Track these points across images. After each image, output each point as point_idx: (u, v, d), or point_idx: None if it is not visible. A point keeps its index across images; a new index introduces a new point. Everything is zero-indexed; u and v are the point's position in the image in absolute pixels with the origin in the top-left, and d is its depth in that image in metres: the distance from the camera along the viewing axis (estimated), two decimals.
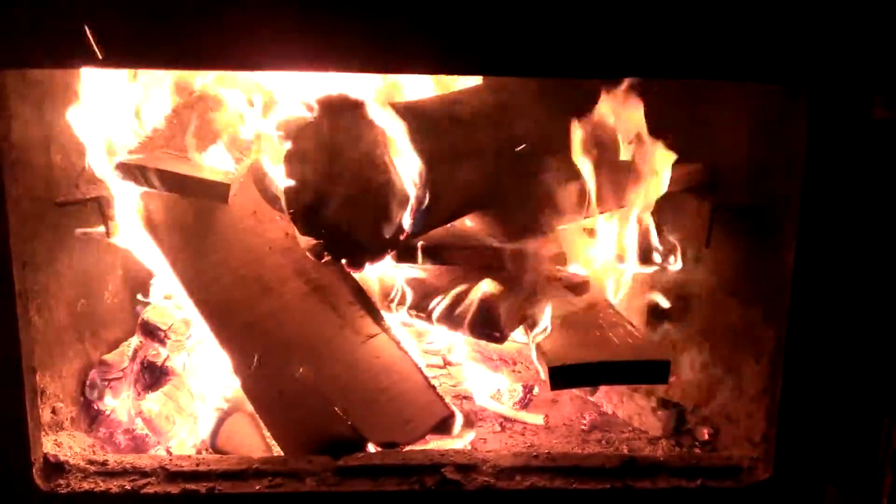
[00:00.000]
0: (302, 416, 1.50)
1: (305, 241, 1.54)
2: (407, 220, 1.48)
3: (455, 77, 1.65)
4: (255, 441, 1.59)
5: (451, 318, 1.63)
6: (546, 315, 1.61)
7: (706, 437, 1.64)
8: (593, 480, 1.41)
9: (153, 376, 1.68)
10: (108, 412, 1.64)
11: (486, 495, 1.39)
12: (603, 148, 1.71)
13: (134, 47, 1.20)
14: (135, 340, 1.71)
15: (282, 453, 1.52)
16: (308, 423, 1.49)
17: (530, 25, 1.21)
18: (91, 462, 1.41)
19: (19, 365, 1.32)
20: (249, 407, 1.59)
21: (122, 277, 1.81)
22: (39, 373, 1.43)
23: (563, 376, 1.51)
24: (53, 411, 1.51)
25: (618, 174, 1.64)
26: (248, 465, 1.41)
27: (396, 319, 1.69)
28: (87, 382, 1.62)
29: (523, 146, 1.61)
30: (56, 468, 1.39)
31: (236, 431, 1.62)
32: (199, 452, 1.61)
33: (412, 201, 1.47)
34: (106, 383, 1.62)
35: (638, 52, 1.24)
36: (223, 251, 1.61)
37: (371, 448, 1.46)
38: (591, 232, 1.71)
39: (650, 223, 1.66)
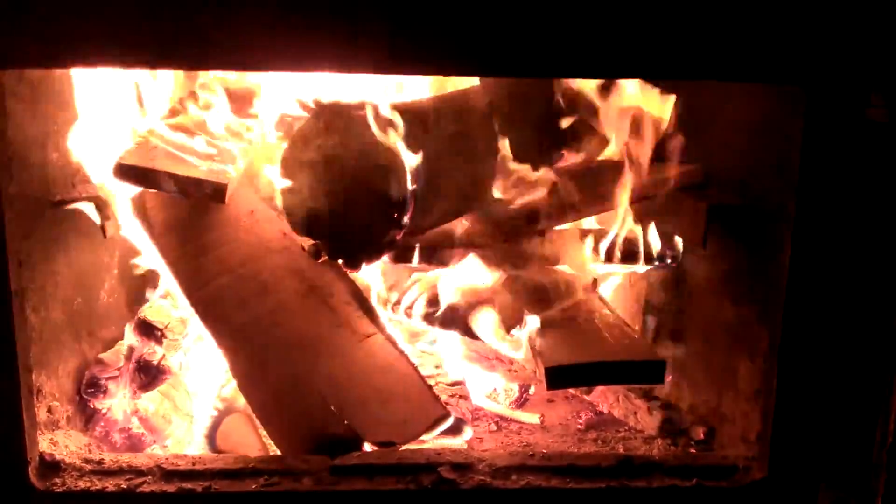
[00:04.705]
0: (298, 416, 1.50)
1: (302, 241, 1.55)
2: (404, 221, 1.48)
3: (451, 78, 1.65)
4: (251, 440, 1.59)
5: (447, 318, 1.63)
6: (542, 315, 1.61)
7: (701, 436, 1.65)
8: (589, 480, 1.41)
9: (149, 375, 1.67)
10: (104, 411, 1.64)
11: (482, 494, 1.39)
12: (598, 147, 1.72)
13: (130, 47, 1.20)
14: (131, 339, 1.71)
15: (278, 452, 1.52)
16: (304, 423, 1.49)
17: (528, 25, 1.21)
18: (87, 461, 1.40)
19: (15, 364, 1.32)
20: (246, 406, 1.60)
21: (119, 276, 1.81)
22: (35, 371, 1.43)
23: (560, 376, 1.51)
24: (49, 410, 1.51)
25: (613, 173, 1.64)
26: (245, 464, 1.41)
27: (393, 319, 1.69)
28: (84, 381, 1.62)
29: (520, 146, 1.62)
30: (52, 467, 1.39)
31: (233, 430, 1.62)
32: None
33: (409, 202, 1.47)
34: (102, 382, 1.62)
35: (633, 53, 1.24)
36: (220, 250, 1.61)
37: (367, 447, 1.46)
38: (587, 232, 1.72)
39: (647, 223, 1.67)
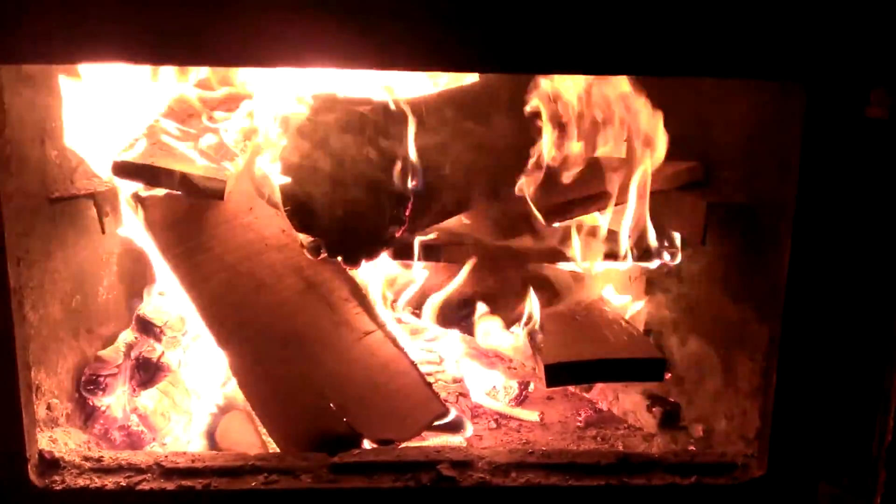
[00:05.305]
0: (298, 413, 1.50)
1: (302, 238, 1.55)
2: (403, 217, 1.48)
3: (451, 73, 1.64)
4: (251, 438, 1.59)
5: (446, 315, 1.63)
6: (542, 312, 1.61)
7: (700, 434, 1.65)
8: (588, 477, 1.41)
9: (148, 373, 1.67)
10: (103, 408, 1.63)
11: (481, 492, 1.39)
12: (596, 145, 1.72)
13: (131, 43, 1.19)
14: (130, 336, 1.71)
15: (278, 450, 1.52)
16: (304, 420, 1.49)
17: (530, 21, 1.21)
18: (86, 458, 1.40)
19: (14, 361, 1.32)
20: (245, 404, 1.59)
21: (117, 273, 1.81)
22: (34, 369, 1.43)
23: (559, 373, 1.51)
24: (48, 408, 1.51)
25: (612, 171, 1.64)
26: (244, 462, 1.40)
27: (392, 316, 1.69)
28: (83, 379, 1.62)
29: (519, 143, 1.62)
30: (51, 465, 1.39)
31: (232, 428, 1.62)
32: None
33: (409, 198, 1.47)
34: (101, 379, 1.62)
35: (634, 49, 1.24)
36: (219, 247, 1.61)
37: (367, 445, 1.46)
38: (587, 229, 1.72)
39: (647, 220, 1.67)
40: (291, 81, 1.59)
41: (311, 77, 1.56)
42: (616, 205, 1.66)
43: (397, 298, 1.70)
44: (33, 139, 1.46)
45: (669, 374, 1.68)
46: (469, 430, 1.58)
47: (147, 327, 1.69)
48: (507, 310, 1.62)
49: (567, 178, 1.64)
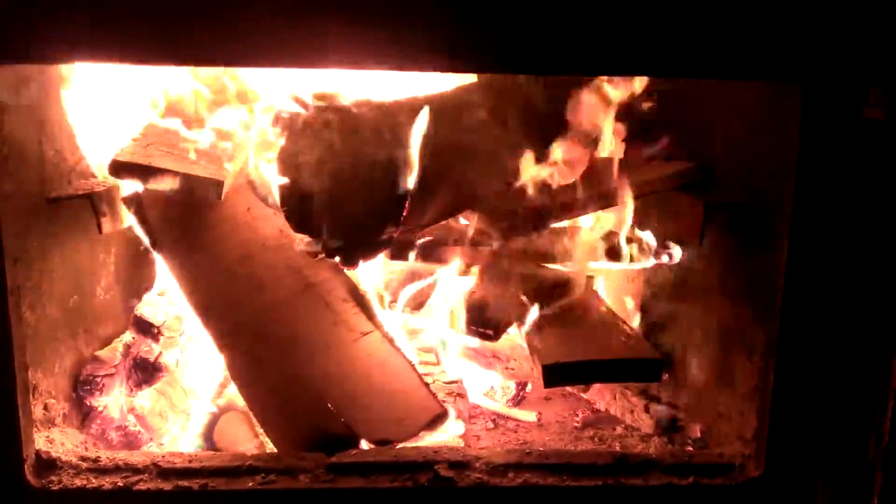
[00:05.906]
0: (295, 414, 1.50)
1: (299, 239, 1.54)
2: (401, 218, 1.48)
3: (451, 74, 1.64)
4: (248, 438, 1.59)
5: (444, 315, 1.63)
6: (539, 313, 1.61)
7: (698, 434, 1.65)
8: (586, 477, 1.41)
9: (146, 373, 1.67)
10: (100, 409, 1.63)
11: (478, 492, 1.39)
12: (594, 146, 1.72)
13: (129, 43, 1.19)
14: (127, 337, 1.71)
15: (275, 450, 1.52)
16: (301, 421, 1.49)
17: (532, 23, 1.21)
18: (83, 458, 1.40)
19: (11, 361, 1.32)
20: (243, 404, 1.59)
21: (115, 273, 1.81)
22: (31, 369, 1.42)
23: (557, 374, 1.51)
24: (45, 408, 1.50)
25: (610, 171, 1.64)
26: (242, 462, 1.40)
27: (390, 317, 1.69)
28: (80, 379, 1.62)
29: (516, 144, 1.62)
30: (48, 465, 1.39)
31: (230, 428, 1.62)
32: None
33: (406, 199, 1.47)
34: (98, 380, 1.62)
35: (632, 51, 1.24)
36: (217, 248, 1.61)
37: (364, 445, 1.46)
38: (585, 230, 1.72)
39: (645, 221, 1.67)
40: (290, 81, 1.59)
41: (309, 77, 1.56)
42: (616, 206, 1.66)
43: (396, 299, 1.70)
44: (31, 139, 1.46)
45: (667, 375, 1.68)
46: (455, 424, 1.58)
47: (145, 327, 1.69)
48: (504, 310, 1.62)
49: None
